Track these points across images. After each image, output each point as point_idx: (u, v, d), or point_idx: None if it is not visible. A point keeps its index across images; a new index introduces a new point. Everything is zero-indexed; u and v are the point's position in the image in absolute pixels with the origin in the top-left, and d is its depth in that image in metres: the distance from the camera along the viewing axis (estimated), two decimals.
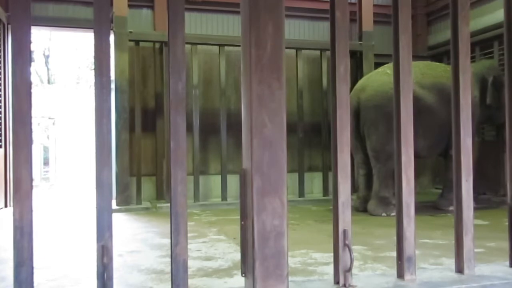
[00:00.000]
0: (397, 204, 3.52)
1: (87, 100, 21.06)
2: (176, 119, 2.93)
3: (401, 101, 3.45)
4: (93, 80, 2.88)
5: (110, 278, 2.75)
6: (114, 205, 7.93)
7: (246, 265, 3.07)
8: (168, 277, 3.96)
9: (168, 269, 4.26)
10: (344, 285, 3.21)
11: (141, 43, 9.20)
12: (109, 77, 2.82)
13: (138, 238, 5.62)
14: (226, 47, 9.33)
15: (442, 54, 11.25)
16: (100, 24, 2.84)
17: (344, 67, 3.28)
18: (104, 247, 2.76)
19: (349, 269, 3.23)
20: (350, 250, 3.21)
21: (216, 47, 9.31)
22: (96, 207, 2.80)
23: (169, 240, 5.45)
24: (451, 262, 4.32)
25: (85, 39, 26.53)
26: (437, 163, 10.80)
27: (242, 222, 3.12)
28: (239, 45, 10.30)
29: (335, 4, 3.28)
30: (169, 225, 6.89)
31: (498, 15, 9.37)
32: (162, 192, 9.13)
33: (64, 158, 21.04)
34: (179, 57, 2.95)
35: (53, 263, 4.61)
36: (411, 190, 3.46)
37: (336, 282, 3.25)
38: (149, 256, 4.74)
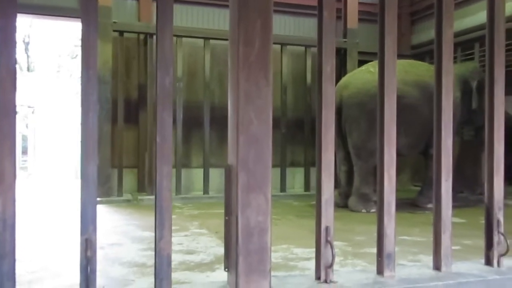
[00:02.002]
0: (378, 202, 3.58)
1: (67, 89, 20.77)
2: (162, 114, 2.93)
3: (385, 101, 3.51)
4: (79, 72, 2.86)
5: (94, 271, 2.75)
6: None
7: (230, 260, 3.10)
8: (150, 271, 3.97)
9: (150, 262, 4.28)
10: (325, 280, 3.27)
11: (125, 34, 9.11)
12: (96, 70, 2.81)
13: (119, 231, 5.60)
14: (211, 41, 9.31)
15: (425, 53, 11.40)
16: (88, 16, 2.82)
17: (330, 66, 3.31)
18: (88, 240, 2.76)
19: (331, 265, 3.28)
20: (332, 246, 3.27)
21: (201, 40, 9.28)
22: (81, 200, 2.79)
23: (150, 233, 5.46)
24: (428, 259, 4.42)
25: (67, 27, 26.10)
26: (416, 161, 10.97)
27: (226, 218, 3.15)
28: (224, 39, 10.29)
29: (323, 4, 3.31)
30: (150, 218, 6.88)
31: (479, 17, 9.53)
32: (144, 184, 9.09)
33: (42, 147, 20.75)
34: (167, 51, 2.95)
35: (33, 255, 4.57)
36: (392, 188, 3.53)
37: (318, 277, 3.31)
38: (130, 249, 4.73)
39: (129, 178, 9.15)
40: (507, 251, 3.74)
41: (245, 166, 2.98)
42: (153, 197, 8.93)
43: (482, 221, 6.70)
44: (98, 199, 6.93)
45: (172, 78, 2.95)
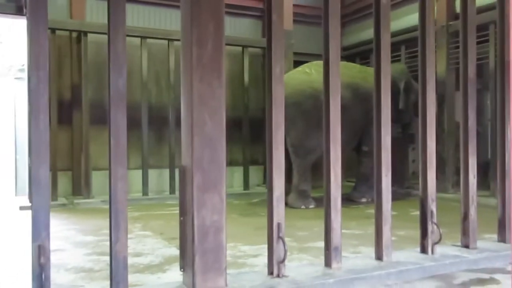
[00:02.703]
0: (325, 198, 3.76)
1: None
2: (116, 116, 2.92)
3: (330, 101, 3.68)
4: (27, 74, 2.77)
5: (48, 278, 2.69)
6: (27, 201, 7.52)
7: (185, 260, 3.13)
8: (99, 275, 3.90)
9: (98, 267, 4.19)
10: (278, 275, 3.39)
11: (57, 32, 8.74)
12: (46, 71, 2.73)
13: (60, 236, 5.40)
14: (148, 40, 9.17)
15: (355, 55, 11.90)
16: (37, 13, 2.73)
17: (279, 68, 3.44)
18: (41, 246, 2.69)
19: (283, 260, 3.41)
20: (284, 242, 3.40)
21: (138, 39, 9.10)
22: (32, 206, 2.71)
23: (93, 238, 5.35)
24: (368, 250, 4.69)
25: None
26: (349, 158, 11.44)
27: (181, 218, 3.18)
28: (161, 38, 10.08)
29: (271, 7, 3.42)
30: (90, 222, 6.67)
31: (405, 21, 10.11)
32: (80, 187, 8.78)
33: None
34: (120, 52, 2.93)
35: None
36: (338, 185, 3.72)
37: (270, 272, 3.42)
38: (74, 254, 4.59)
39: (63, 181, 8.80)
40: (440, 239, 4.06)
41: (200, 166, 3.03)
42: (91, 200, 8.59)
43: (413, 213, 7.14)
44: (30, 203, 6.60)
45: (125, 80, 2.93)
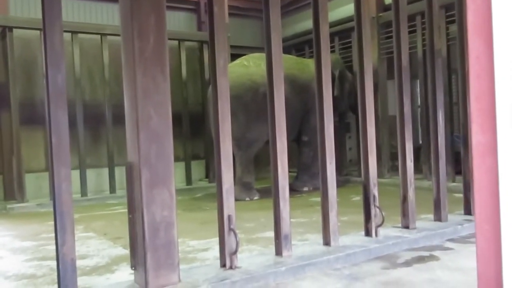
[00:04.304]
0: (273, 188, 3.81)
1: None
2: (57, 113, 2.78)
3: (274, 93, 3.73)
4: None
5: None
6: None
7: (136, 258, 3.07)
8: (42, 281, 3.73)
9: (40, 272, 4.01)
10: (231, 267, 3.40)
11: None
12: None
13: None
14: (79, 35, 8.81)
15: (291, 47, 12.08)
16: None
17: (223, 60, 3.43)
18: None
19: (235, 252, 3.42)
20: (235, 234, 3.41)
21: (69, 34, 8.72)
22: None
23: (31, 243, 5.11)
24: (315, 237, 4.81)
25: None
26: (289, 148, 11.63)
27: (130, 216, 3.10)
28: (93, 33, 9.73)
29: None
30: (26, 227, 6.39)
31: (338, 13, 10.40)
32: (12, 191, 8.31)
33: None
34: (57, 47, 2.79)
35: None
36: (285, 174, 3.78)
37: (223, 265, 3.43)
38: (13, 261, 4.35)
39: None
40: (383, 222, 4.24)
41: (147, 162, 2.97)
42: (25, 204, 8.21)
43: (354, 198, 7.39)
44: None
45: (64, 75, 2.80)
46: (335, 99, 9.17)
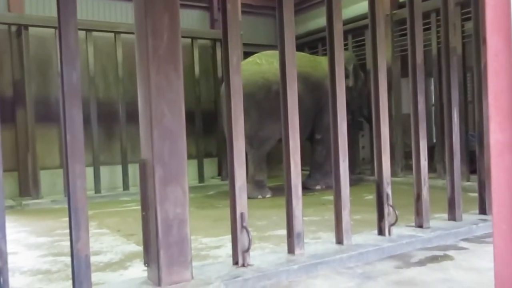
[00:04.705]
0: (286, 186, 3.80)
1: None
2: (71, 111, 2.81)
3: (287, 90, 3.72)
4: None
5: (6, 281, 2.57)
6: None
7: (149, 255, 3.09)
8: (57, 276, 3.77)
9: (55, 268, 4.05)
10: (243, 264, 3.41)
11: None
12: None
13: (10, 239, 5.11)
14: (93, 33, 8.87)
15: (304, 44, 12.04)
16: None
17: (236, 57, 3.43)
18: None
19: (247, 249, 3.43)
20: (248, 231, 3.41)
21: (83, 32, 8.79)
22: None
23: (46, 239, 5.17)
24: (327, 236, 4.80)
25: None
26: (303, 146, 11.60)
27: (144, 213, 3.12)
28: (107, 31, 9.77)
29: None
30: (41, 223, 6.45)
31: (351, 11, 10.34)
32: (28, 188, 8.42)
33: None
34: (72, 45, 2.81)
35: None
36: (298, 173, 3.77)
37: (235, 262, 3.43)
38: (28, 256, 4.41)
39: (8, 182, 8.39)
40: (396, 221, 4.21)
41: (161, 159, 2.99)
42: (40, 200, 8.30)
43: (366, 197, 7.35)
44: None
45: (79, 73, 2.82)
46: (348, 91, 9.20)
